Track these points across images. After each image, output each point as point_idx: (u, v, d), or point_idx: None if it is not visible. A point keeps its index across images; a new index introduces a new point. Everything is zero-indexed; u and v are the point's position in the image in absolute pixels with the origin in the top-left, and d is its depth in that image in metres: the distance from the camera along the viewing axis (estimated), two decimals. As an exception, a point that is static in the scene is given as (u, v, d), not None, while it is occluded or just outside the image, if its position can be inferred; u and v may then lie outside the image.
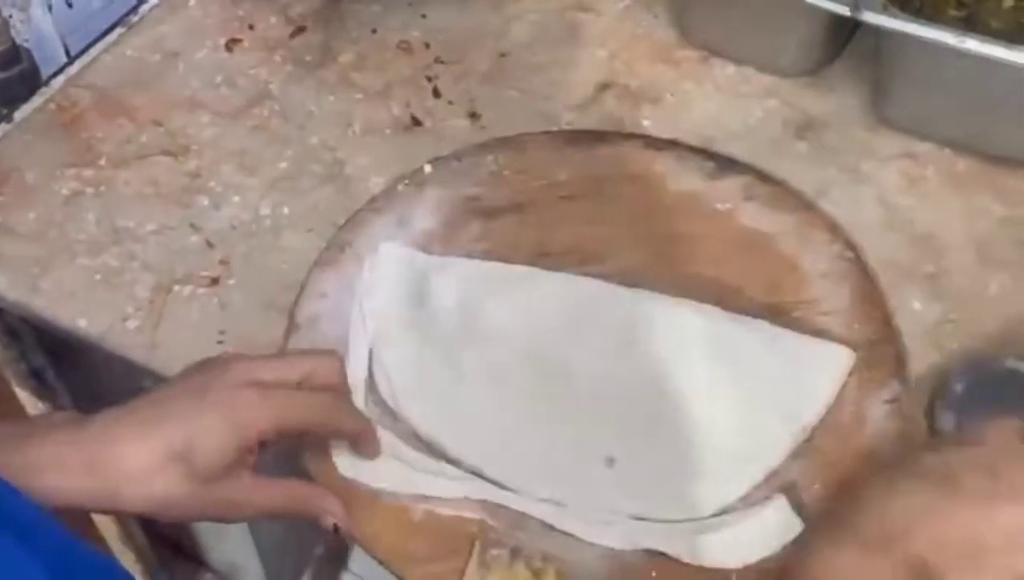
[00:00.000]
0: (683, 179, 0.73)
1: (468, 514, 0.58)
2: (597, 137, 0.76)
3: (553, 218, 0.72)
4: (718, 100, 0.80)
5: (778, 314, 0.66)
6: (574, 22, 0.87)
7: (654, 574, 0.56)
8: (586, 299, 0.66)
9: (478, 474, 0.60)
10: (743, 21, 0.81)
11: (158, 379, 0.66)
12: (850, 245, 0.69)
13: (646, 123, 0.79)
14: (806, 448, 0.60)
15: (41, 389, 0.86)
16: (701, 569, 0.56)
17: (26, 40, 0.84)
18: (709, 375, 0.62)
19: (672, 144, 0.75)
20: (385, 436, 0.60)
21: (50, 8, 0.85)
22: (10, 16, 0.82)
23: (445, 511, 0.58)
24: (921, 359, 0.65)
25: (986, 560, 0.43)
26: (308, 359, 0.56)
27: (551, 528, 0.58)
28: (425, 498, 0.59)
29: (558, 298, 0.66)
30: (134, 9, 0.89)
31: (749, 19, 0.80)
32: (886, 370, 0.63)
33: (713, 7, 0.82)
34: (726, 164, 0.74)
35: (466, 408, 0.62)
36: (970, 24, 0.75)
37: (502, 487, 0.59)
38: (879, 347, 0.64)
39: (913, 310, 0.67)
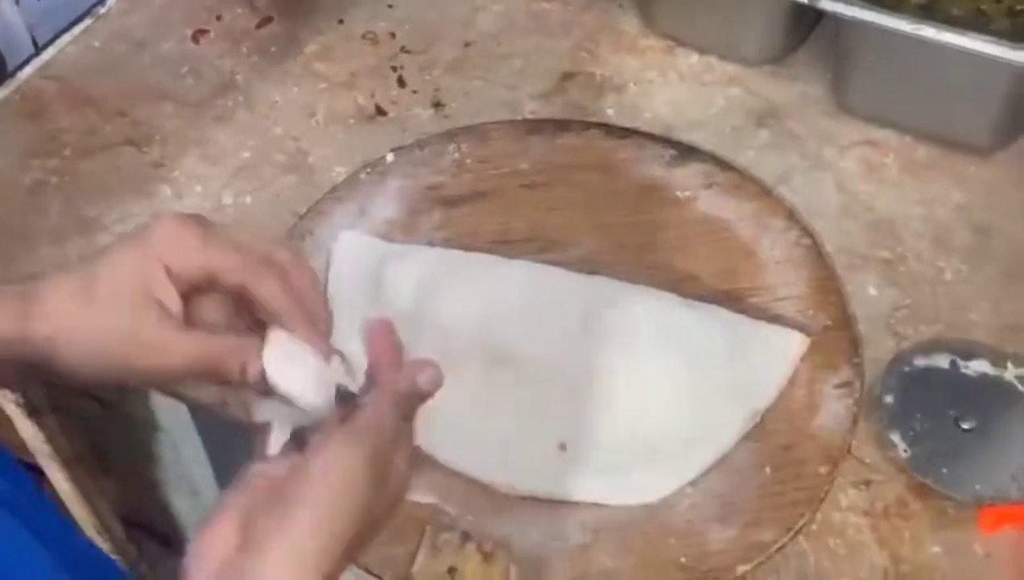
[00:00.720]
0: (644, 167, 0.74)
1: (420, 498, 0.59)
2: (559, 126, 0.77)
3: (514, 206, 0.72)
4: (681, 89, 0.81)
5: (734, 300, 0.66)
6: (540, 12, 0.87)
7: (603, 557, 0.57)
8: (542, 286, 0.66)
9: (432, 459, 0.60)
10: (706, 10, 0.81)
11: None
12: (807, 232, 0.70)
13: (609, 112, 0.79)
14: (757, 431, 0.61)
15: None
16: (650, 549, 0.56)
17: (-8, 31, 0.84)
18: (662, 361, 0.62)
19: (633, 132, 0.76)
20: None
21: (17, 1, 0.86)
22: (-24, 7, 0.82)
23: None
24: (876, 344, 0.65)
25: None
26: (284, 252, 0.49)
27: (500, 513, 0.58)
28: None
29: (515, 285, 0.66)
30: (101, 0, 0.89)
31: (712, 8, 0.81)
32: (839, 355, 0.64)
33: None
34: (687, 152, 0.74)
35: None
36: (930, 12, 0.75)
37: (456, 473, 0.60)
38: (833, 333, 0.65)
39: (869, 295, 0.68)
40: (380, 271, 0.68)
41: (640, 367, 0.62)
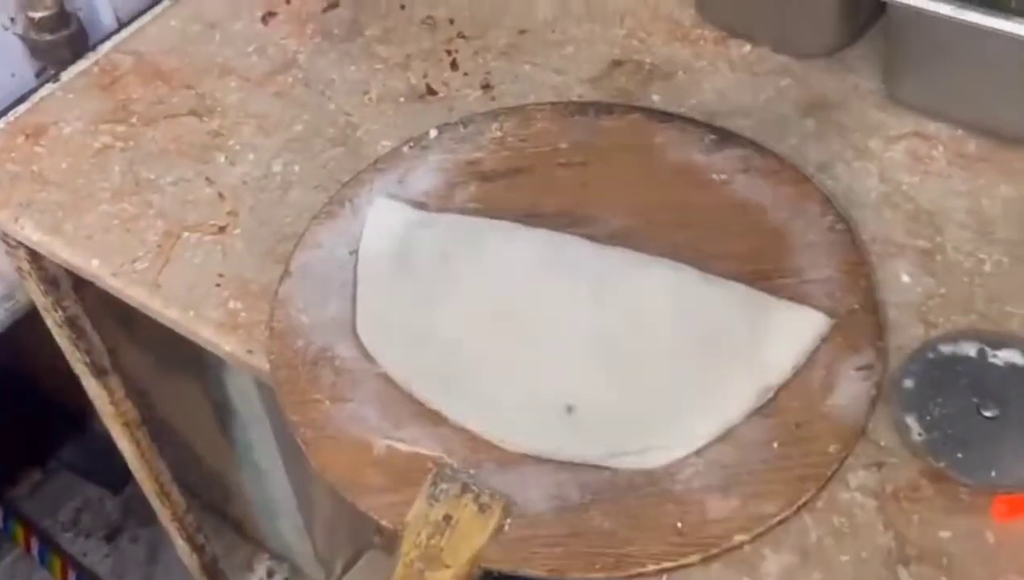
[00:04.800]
0: (682, 150, 0.74)
1: (426, 451, 0.60)
2: (602, 109, 0.77)
3: (549, 183, 0.73)
4: (730, 78, 0.80)
5: (760, 280, 0.66)
6: (596, 2, 0.88)
7: (599, 518, 0.57)
8: (561, 252, 0.67)
9: (439, 414, 0.61)
10: (760, 1, 0.81)
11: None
12: (842, 218, 0.69)
13: (655, 98, 0.80)
14: (770, 407, 0.60)
15: (76, 336, 0.91)
16: (647, 514, 0.56)
17: (79, 8, 0.90)
18: (675, 330, 0.62)
19: (675, 117, 0.76)
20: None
21: (104, -19, 0.91)
22: (65, -15, 0.88)
23: (404, 448, 0.60)
24: (904, 331, 0.64)
25: None
26: None
27: (503, 470, 0.59)
28: (387, 435, 0.60)
29: (534, 250, 0.67)
30: (184, -17, 0.94)
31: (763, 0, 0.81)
32: (863, 339, 0.62)
33: (732, -12, 0.82)
34: (726, 136, 0.74)
35: (434, 356, 0.64)
36: (995, 5, 0.74)
37: (462, 429, 0.61)
38: (859, 316, 0.64)
39: (901, 283, 0.66)
40: (409, 236, 0.69)
41: (654, 335, 0.62)
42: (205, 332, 0.69)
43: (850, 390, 0.60)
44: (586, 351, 0.62)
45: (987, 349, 0.61)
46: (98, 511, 1.50)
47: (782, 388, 0.61)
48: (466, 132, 0.76)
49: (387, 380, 0.63)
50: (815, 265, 0.66)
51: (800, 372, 0.61)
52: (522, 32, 0.86)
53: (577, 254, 0.67)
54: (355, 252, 0.69)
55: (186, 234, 0.74)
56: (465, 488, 0.58)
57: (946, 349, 0.62)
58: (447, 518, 0.56)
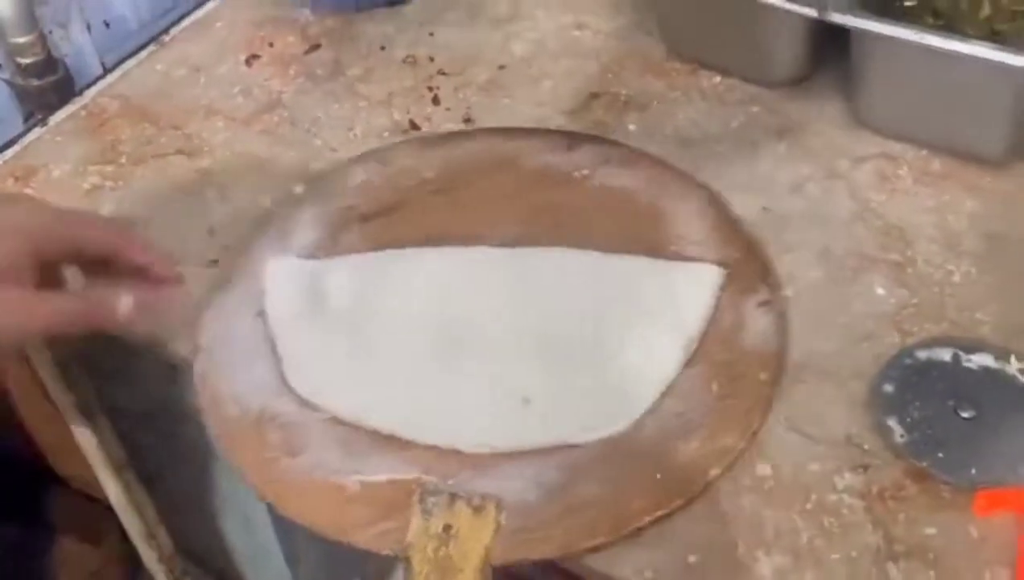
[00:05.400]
0: (538, 157, 0.79)
1: (402, 476, 0.61)
2: (458, 135, 0.81)
3: (426, 211, 0.76)
4: (702, 107, 0.84)
5: (650, 251, 0.72)
6: (571, 39, 0.91)
7: (584, 489, 0.59)
8: (471, 262, 0.71)
9: (401, 439, 0.63)
10: (729, 35, 0.84)
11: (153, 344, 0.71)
12: (703, 187, 0.75)
13: (631, 128, 0.82)
14: (698, 356, 0.65)
15: (65, 377, 0.91)
16: (625, 473, 0.60)
17: (66, 55, 0.92)
18: (599, 307, 0.67)
19: (530, 131, 0.80)
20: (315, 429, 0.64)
21: (89, 28, 0.93)
22: (51, 32, 0.90)
23: (379, 478, 0.61)
24: (880, 340, 0.66)
25: None
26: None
27: (481, 473, 0.61)
28: (357, 471, 0.61)
29: (445, 266, 0.71)
30: (166, 30, 0.96)
31: (734, 32, 0.84)
32: (755, 279, 0.69)
33: (700, 22, 0.85)
34: (580, 138, 0.80)
35: (378, 386, 0.65)
36: (947, 33, 0.78)
37: (430, 446, 0.62)
38: (744, 263, 0.70)
39: (876, 294, 0.69)
40: (315, 285, 0.70)
41: (581, 316, 0.67)
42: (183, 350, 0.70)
43: (758, 324, 0.67)
44: (524, 344, 0.66)
45: (961, 354, 0.64)
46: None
47: (702, 337, 0.66)
48: (331, 182, 0.78)
49: (336, 422, 0.64)
50: (692, 230, 0.73)
51: (712, 320, 0.67)
52: (501, 68, 0.89)
53: (485, 260, 0.71)
54: (261, 313, 0.70)
55: (179, 269, 0.76)
56: (454, 497, 0.59)
57: (922, 355, 0.64)
58: (447, 528, 0.58)
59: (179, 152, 0.84)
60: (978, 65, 0.70)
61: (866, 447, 0.61)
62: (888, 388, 0.63)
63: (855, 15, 0.73)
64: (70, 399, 0.94)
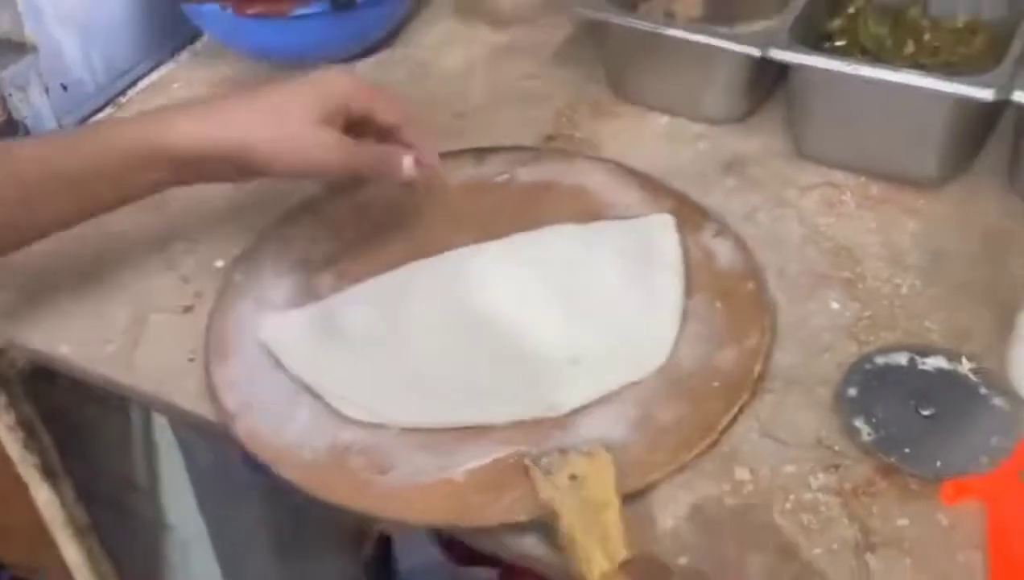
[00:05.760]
0: (458, 173, 0.83)
1: (502, 454, 0.64)
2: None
3: (381, 241, 0.79)
4: (654, 145, 0.88)
5: (604, 219, 0.79)
6: (524, 88, 0.95)
7: (661, 416, 0.66)
8: (468, 260, 0.75)
9: (491, 426, 0.66)
10: (673, 78, 0.89)
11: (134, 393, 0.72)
12: (614, 162, 0.84)
13: (587, 166, 0.86)
14: (692, 286, 0.73)
15: (28, 438, 0.91)
16: (691, 395, 0.67)
17: (25, 116, 0.92)
18: (594, 269, 0.74)
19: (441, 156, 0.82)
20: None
21: (47, 91, 0.94)
22: (10, 95, 0.91)
23: (480, 463, 0.64)
24: (840, 349, 0.70)
25: None
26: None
27: (565, 430, 0.65)
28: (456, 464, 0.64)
29: (450, 269, 0.75)
30: (123, 92, 0.98)
31: (678, 76, 0.88)
32: (699, 217, 0.79)
33: (646, 68, 0.90)
34: (484, 151, 0.85)
35: (436, 387, 0.68)
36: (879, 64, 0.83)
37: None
38: (682, 210, 0.79)
39: (832, 309, 0.73)
40: (327, 325, 0.72)
41: (585, 280, 0.73)
42: (185, 404, 0.71)
43: (722, 249, 0.76)
44: (549, 316, 0.71)
45: (916, 358, 0.68)
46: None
47: (687, 271, 0.74)
48: (276, 243, 0.80)
49: (408, 431, 0.66)
50: (625, 196, 0.81)
51: (687, 255, 0.75)
52: (458, 115, 0.92)
53: (474, 257, 0.75)
54: (278, 366, 0.71)
55: (153, 316, 0.77)
56: (564, 451, 0.62)
57: (880, 361, 0.68)
58: (572, 477, 0.60)
59: (146, 204, 0.85)
60: (908, 94, 0.76)
61: (836, 448, 0.64)
62: (852, 392, 0.66)
63: (794, 51, 0.79)
64: (32, 460, 0.93)
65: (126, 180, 0.69)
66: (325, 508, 0.63)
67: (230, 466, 0.96)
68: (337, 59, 0.97)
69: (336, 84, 0.71)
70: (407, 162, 0.73)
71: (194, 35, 1.02)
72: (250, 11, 0.91)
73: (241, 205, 0.84)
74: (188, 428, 0.74)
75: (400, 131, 0.74)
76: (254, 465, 0.66)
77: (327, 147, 0.69)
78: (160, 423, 0.99)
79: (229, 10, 0.91)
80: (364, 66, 0.99)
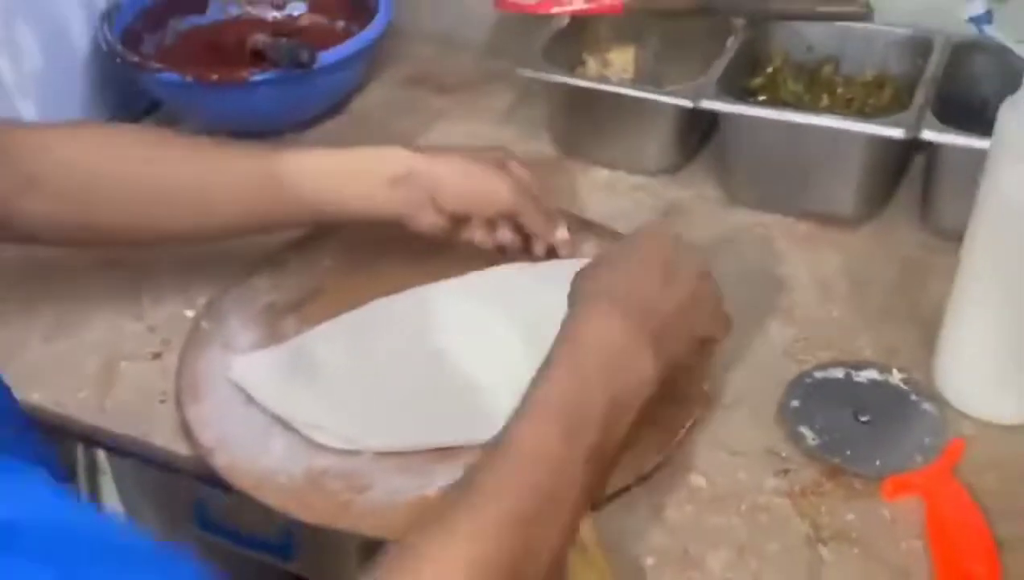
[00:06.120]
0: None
1: None
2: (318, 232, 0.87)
3: (344, 289, 0.82)
4: (596, 195, 0.94)
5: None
6: (470, 148, 1.00)
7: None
8: (431, 296, 0.79)
9: (465, 447, 0.69)
10: (612, 135, 0.95)
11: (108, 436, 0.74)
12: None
13: (535, 216, 0.91)
14: None
15: None
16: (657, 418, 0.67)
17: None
18: (560, 301, 0.69)
19: None
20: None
21: None
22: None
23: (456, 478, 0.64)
24: (781, 368, 0.75)
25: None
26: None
27: None
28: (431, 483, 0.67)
29: (414, 302, 0.78)
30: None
31: (616, 133, 0.95)
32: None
33: (587, 125, 0.96)
34: None
35: (409, 412, 0.72)
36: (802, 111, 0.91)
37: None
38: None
39: (771, 333, 0.79)
40: (298, 362, 0.75)
41: (539, 304, 0.71)
42: (159, 442, 0.73)
43: None
44: (514, 339, 0.73)
45: (851, 371, 0.74)
46: None
47: None
48: (240, 291, 0.83)
49: (383, 455, 0.69)
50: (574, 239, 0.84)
51: None
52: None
53: (435, 292, 0.79)
54: (250, 401, 0.73)
55: (123, 363, 0.79)
56: None
57: (819, 375, 0.74)
58: None
59: (110, 263, 0.88)
60: (828, 137, 0.83)
61: (784, 454, 0.69)
62: (795, 403, 0.72)
63: (722, 101, 0.86)
64: None
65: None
66: (306, 528, 0.66)
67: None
68: (293, 124, 1.02)
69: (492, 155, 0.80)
70: (562, 230, 0.80)
71: (153, 104, 1.06)
72: (211, 79, 0.95)
73: (205, 259, 0.87)
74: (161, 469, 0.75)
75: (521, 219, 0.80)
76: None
77: (502, 177, 0.78)
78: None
79: (190, 79, 0.95)
80: (317, 132, 1.04)
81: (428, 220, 0.78)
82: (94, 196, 0.74)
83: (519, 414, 0.56)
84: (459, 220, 0.78)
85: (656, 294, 0.63)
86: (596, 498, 0.61)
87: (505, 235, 0.79)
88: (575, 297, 0.64)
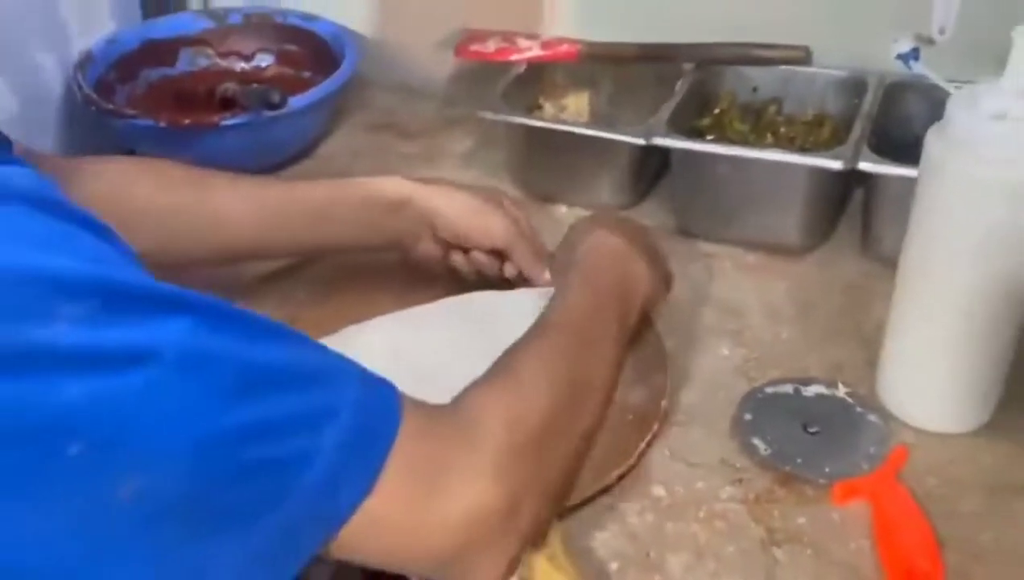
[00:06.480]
0: (388, 255, 0.87)
1: None
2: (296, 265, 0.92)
3: (320, 320, 0.83)
4: (556, 232, 0.97)
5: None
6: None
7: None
8: (409, 322, 0.81)
9: None
10: (569, 171, 1.00)
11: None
12: None
13: (498, 251, 0.95)
14: None
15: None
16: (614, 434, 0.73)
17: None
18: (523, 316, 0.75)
19: None
20: None
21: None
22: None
23: None
24: (733, 386, 0.79)
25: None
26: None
27: None
28: None
29: (389, 329, 0.80)
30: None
31: (572, 171, 1.00)
32: None
33: (545, 164, 1.01)
34: None
35: None
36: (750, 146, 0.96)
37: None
38: None
39: (723, 354, 0.83)
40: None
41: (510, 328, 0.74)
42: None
43: None
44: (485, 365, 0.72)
45: (799, 387, 0.78)
46: None
47: None
48: None
49: None
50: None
51: None
52: (375, 214, 1.01)
53: (409, 317, 0.81)
54: None
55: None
56: None
57: (769, 390, 0.78)
58: None
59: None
60: (772, 170, 0.89)
61: (738, 465, 0.73)
62: (748, 416, 0.76)
63: (673, 138, 0.91)
64: None
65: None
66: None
67: None
68: (262, 168, 1.05)
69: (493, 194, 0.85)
70: (547, 275, 0.82)
71: (127, 151, 1.09)
72: (183, 124, 0.98)
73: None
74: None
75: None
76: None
77: (500, 214, 0.82)
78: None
79: (163, 124, 0.98)
80: (287, 174, 1.08)
81: (424, 248, 0.82)
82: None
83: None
84: (450, 248, 0.83)
85: (631, 236, 0.79)
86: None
87: (481, 260, 0.83)
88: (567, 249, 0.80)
